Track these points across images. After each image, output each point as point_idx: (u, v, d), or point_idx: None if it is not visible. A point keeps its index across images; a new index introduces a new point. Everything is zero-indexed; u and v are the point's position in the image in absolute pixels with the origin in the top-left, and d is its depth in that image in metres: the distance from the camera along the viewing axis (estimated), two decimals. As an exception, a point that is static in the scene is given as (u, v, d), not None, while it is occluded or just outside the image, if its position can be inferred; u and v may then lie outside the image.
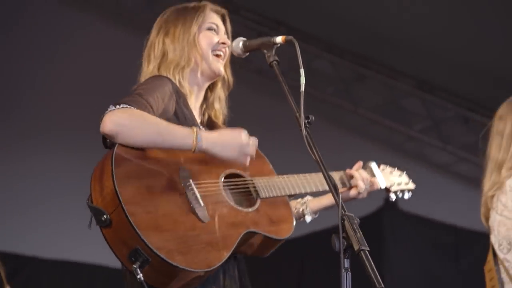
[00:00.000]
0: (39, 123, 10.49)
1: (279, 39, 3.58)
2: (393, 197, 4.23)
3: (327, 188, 3.54)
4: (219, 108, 3.88)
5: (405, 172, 4.33)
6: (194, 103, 3.76)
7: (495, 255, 4.60)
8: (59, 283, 10.65)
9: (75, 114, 10.39)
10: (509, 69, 10.03)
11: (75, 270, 10.60)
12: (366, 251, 3.14)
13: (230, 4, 10.61)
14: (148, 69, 3.75)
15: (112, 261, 9.94)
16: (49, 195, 10.26)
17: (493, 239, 4.63)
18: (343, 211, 3.19)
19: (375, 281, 3.21)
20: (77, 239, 9.57)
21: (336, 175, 3.88)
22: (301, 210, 4.00)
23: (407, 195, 4.27)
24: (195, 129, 3.39)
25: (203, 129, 3.61)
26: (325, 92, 11.21)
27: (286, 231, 3.65)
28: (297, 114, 3.34)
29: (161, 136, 3.35)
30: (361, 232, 3.22)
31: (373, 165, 4.18)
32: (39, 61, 10.38)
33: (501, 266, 4.58)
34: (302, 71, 3.36)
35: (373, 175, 4.12)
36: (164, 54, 3.74)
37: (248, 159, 3.49)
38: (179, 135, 3.36)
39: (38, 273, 10.45)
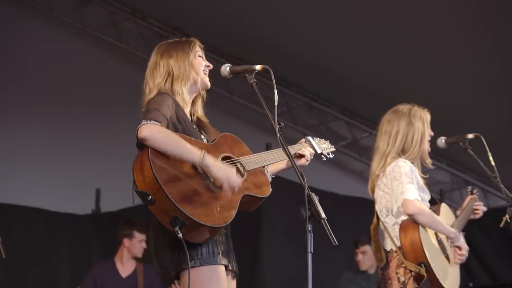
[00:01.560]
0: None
1: (258, 67, 3.71)
2: (324, 158, 4.24)
3: (286, 158, 3.85)
4: (201, 110, 4.03)
5: (328, 141, 4.36)
6: (186, 108, 3.90)
7: (378, 218, 4.71)
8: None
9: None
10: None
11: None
12: (325, 220, 3.34)
13: (140, 12, 10.49)
14: (155, 82, 3.86)
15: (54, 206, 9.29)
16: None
17: (377, 207, 4.73)
18: (308, 191, 3.34)
19: (332, 240, 3.39)
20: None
21: (291, 149, 3.92)
22: None
23: (331, 155, 4.29)
24: (203, 151, 3.58)
25: (206, 154, 3.68)
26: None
27: (267, 191, 3.87)
28: (272, 121, 3.53)
29: (178, 151, 3.55)
30: (319, 206, 3.40)
31: (310, 138, 4.26)
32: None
33: (381, 226, 4.66)
34: (275, 91, 3.52)
35: (311, 145, 4.21)
36: (169, 72, 3.84)
37: (230, 189, 3.63)
38: (190, 153, 3.57)
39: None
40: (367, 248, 7.28)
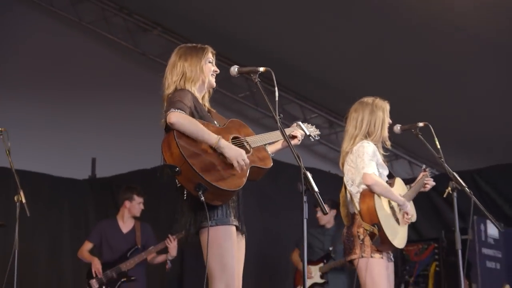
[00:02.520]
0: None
1: (261, 68, 3.75)
2: (312, 139, 4.34)
3: (282, 138, 3.97)
4: (208, 103, 4.10)
5: (314, 126, 4.43)
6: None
7: (345, 188, 4.76)
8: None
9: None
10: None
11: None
12: (317, 192, 3.42)
13: (126, 9, 10.31)
14: (172, 79, 3.95)
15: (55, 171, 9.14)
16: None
17: (345, 179, 4.78)
18: (303, 169, 3.43)
19: (323, 209, 3.56)
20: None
21: (287, 131, 4.03)
22: None
23: (317, 137, 4.38)
24: (220, 136, 3.72)
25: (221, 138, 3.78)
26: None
27: (269, 163, 3.98)
28: (273, 111, 3.60)
29: (199, 133, 3.68)
30: (312, 181, 3.46)
31: (300, 123, 4.32)
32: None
33: (348, 194, 4.73)
34: (276, 88, 3.59)
35: (301, 128, 4.28)
36: (183, 73, 3.94)
37: (239, 166, 3.73)
38: (209, 136, 3.70)
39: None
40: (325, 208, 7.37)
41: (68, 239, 8.91)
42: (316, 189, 3.49)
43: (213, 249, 3.72)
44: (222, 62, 9.79)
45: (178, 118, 3.66)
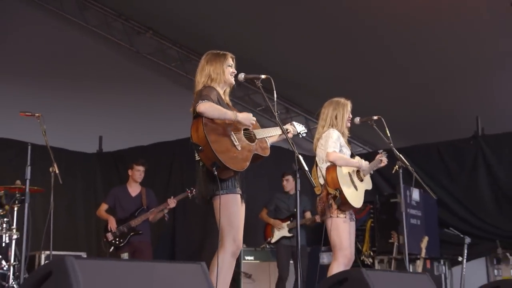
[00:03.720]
0: None
1: (263, 76, 3.79)
2: (300, 136, 4.34)
3: (280, 132, 4.06)
4: (227, 98, 4.08)
5: (303, 125, 4.41)
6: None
7: (316, 165, 4.81)
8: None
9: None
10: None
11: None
12: (307, 171, 3.56)
13: (124, 15, 10.25)
14: (201, 80, 3.97)
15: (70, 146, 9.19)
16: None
17: (316, 158, 4.83)
18: (297, 153, 3.59)
19: (312, 182, 3.66)
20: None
21: (284, 126, 4.06)
22: None
23: (304, 134, 4.38)
24: (235, 111, 3.82)
25: (236, 111, 3.88)
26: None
27: (267, 152, 4.01)
28: (273, 110, 3.74)
29: (222, 115, 3.74)
30: (304, 162, 3.58)
31: (294, 122, 4.35)
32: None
33: (318, 170, 4.77)
34: (275, 92, 3.72)
35: (294, 126, 4.29)
36: (209, 75, 3.96)
37: (250, 123, 3.87)
38: (229, 114, 3.77)
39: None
40: (289, 177, 7.37)
41: (81, 200, 9.02)
42: (306, 168, 3.62)
43: (223, 211, 3.79)
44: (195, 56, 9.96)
45: (205, 106, 3.72)
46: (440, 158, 8.44)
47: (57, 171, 5.79)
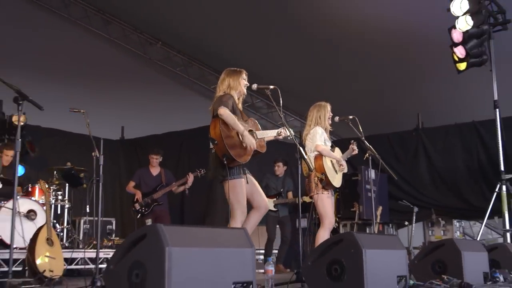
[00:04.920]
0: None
1: (271, 86, 3.79)
2: (289, 137, 4.01)
3: (275, 134, 4.03)
4: (240, 105, 4.03)
5: (293, 130, 4.11)
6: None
7: (306, 153, 4.33)
8: (53, 146, 8.27)
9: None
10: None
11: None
12: (304, 158, 3.72)
13: (138, 28, 10.21)
14: (222, 88, 3.91)
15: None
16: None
17: (306, 149, 4.75)
18: (298, 145, 3.76)
19: (309, 166, 3.86)
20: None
21: (282, 129, 4.03)
22: None
23: (293, 136, 4.00)
24: (244, 129, 3.76)
25: (250, 120, 3.84)
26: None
27: (264, 149, 3.98)
28: (280, 113, 3.75)
29: (233, 125, 3.71)
30: (303, 150, 3.75)
31: (285, 127, 4.08)
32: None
33: (307, 158, 4.23)
34: (280, 100, 3.72)
35: (285, 130, 4.09)
36: (229, 85, 3.92)
37: (250, 147, 3.75)
38: (239, 127, 3.74)
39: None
40: (280, 163, 7.18)
41: (108, 179, 8.99)
42: (306, 157, 3.84)
43: (232, 192, 3.76)
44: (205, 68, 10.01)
45: (225, 112, 3.70)
46: (390, 146, 8.48)
47: (97, 155, 5.86)
